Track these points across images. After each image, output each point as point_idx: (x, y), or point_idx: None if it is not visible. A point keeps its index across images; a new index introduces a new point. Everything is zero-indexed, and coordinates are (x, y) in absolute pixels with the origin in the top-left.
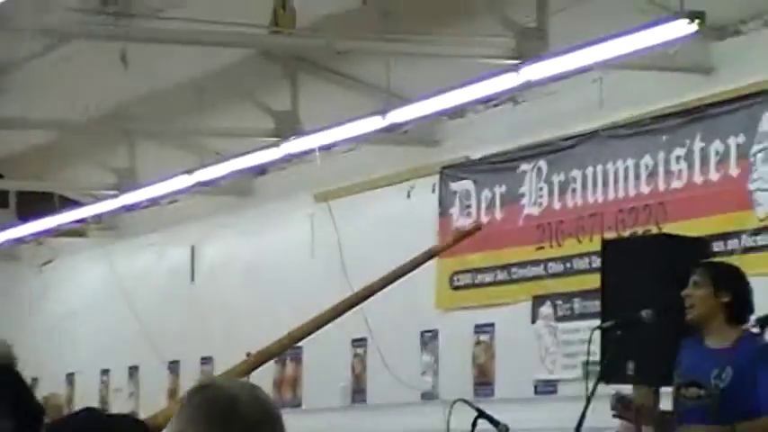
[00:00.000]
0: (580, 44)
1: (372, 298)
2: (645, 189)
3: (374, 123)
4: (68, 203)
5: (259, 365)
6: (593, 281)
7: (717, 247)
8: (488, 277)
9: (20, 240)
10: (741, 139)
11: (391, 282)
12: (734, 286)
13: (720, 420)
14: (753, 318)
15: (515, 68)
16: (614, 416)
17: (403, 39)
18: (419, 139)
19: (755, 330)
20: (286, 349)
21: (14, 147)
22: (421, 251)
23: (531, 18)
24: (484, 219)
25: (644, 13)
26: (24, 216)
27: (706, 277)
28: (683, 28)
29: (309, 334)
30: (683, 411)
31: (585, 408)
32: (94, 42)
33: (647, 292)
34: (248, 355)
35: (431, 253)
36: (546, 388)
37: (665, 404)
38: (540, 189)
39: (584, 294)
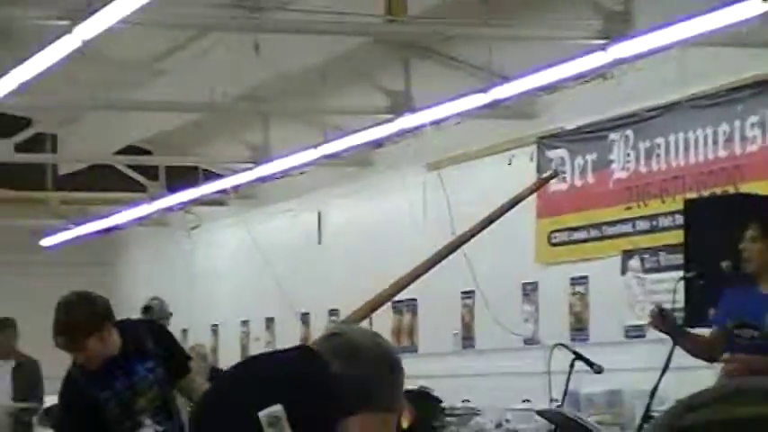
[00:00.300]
0: (662, 24)
1: (479, 255)
2: (722, 153)
3: (478, 100)
4: (211, 176)
5: (375, 309)
6: (677, 236)
7: None
8: (582, 235)
9: (169, 209)
10: None
11: (485, 226)
12: None
13: None
14: None
15: (604, 48)
16: (648, 323)
17: (503, 24)
18: (518, 113)
19: None
20: (398, 292)
21: (162, 127)
22: (521, 213)
23: (618, 1)
24: (577, 183)
25: None
26: (172, 187)
27: (760, 232)
28: (756, 7)
29: (417, 278)
30: (737, 350)
31: (671, 350)
32: (231, 33)
33: (725, 246)
34: None
35: (517, 199)
36: (635, 332)
37: None
38: (628, 155)
39: (669, 249)
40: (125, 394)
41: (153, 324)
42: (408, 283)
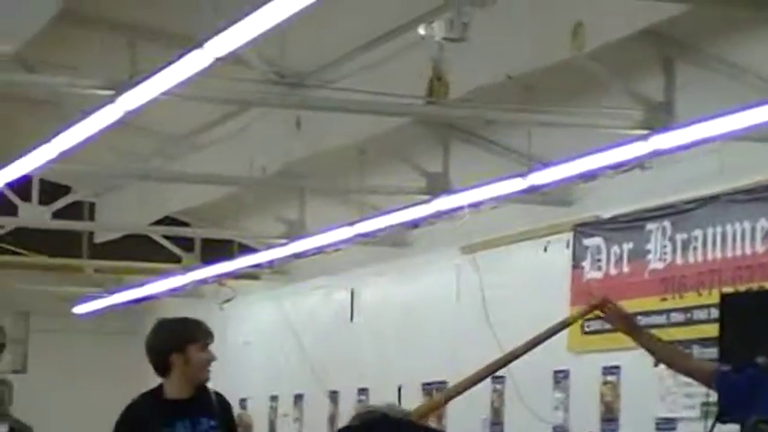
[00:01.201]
0: (703, 117)
1: (512, 341)
2: (760, 249)
3: (516, 185)
4: (246, 250)
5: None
6: (712, 330)
7: None
8: None
9: (203, 281)
10: None
11: (532, 348)
12: None
13: None
14: None
15: (644, 138)
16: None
17: (543, 110)
18: (555, 200)
19: None
20: (450, 401)
21: (200, 199)
22: (555, 300)
23: (660, 91)
24: (613, 271)
25: (758, 89)
26: (207, 260)
27: None
28: None
29: (468, 389)
30: None
31: None
32: (272, 109)
33: (762, 341)
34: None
35: (566, 323)
36: (667, 425)
37: None
38: (665, 246)
39: (703, 342)
40: None
41: (219, 393)
42: (456, 395)
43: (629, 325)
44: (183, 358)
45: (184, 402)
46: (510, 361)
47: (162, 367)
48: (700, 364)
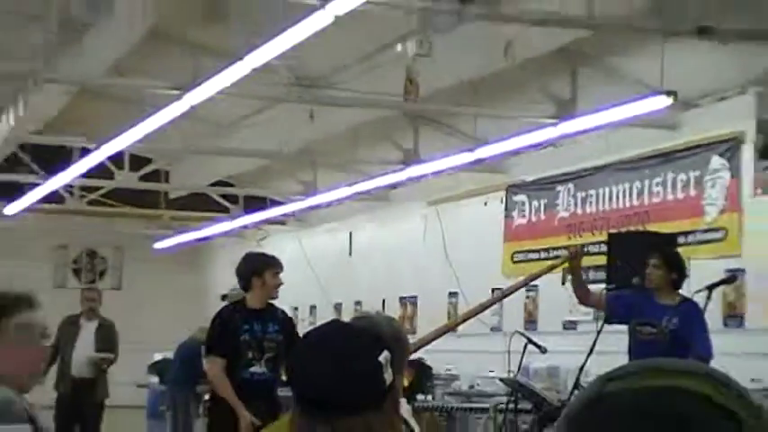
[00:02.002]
0: (597, 108)
1: (462, 269)
2: (635, 203)
3: (466, 157)
4: (275, 203)
5: (428, 343)
6: (602, 260)
7: (680, 239)
8: (535, 256)
9: (244, 227)
10: (697, 173)
11: (499, 300)
12: (679, 267)
13: (665, 353)
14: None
15: (555, 124)
16: (568, 255)
17: (485, 105)
18: (494, 168)
19: (703, 294)
20: (428, 343)
21: (242, 167)
22: (493, 240)
23: (566, 91)
24: (533, 219)
25: (636, 89)
26: (248, 210)
27: (661, 261)
28: (662, 102)
29: (444, 334)
30: (639, 343)
31: (595, 339)
32: (291, 104)
33: (636, 268)
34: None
35: (531, 277)
36: (570, 326)
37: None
38: (569, 201)
39: (596, 268)
40: (257, 334)
41: (283, 310)
42: (431, 341)
43: (578, 269)
44: (261, 280)
45: (258, 311)
46: (492, 303)
47: (245, 285)
48: (599, 297)
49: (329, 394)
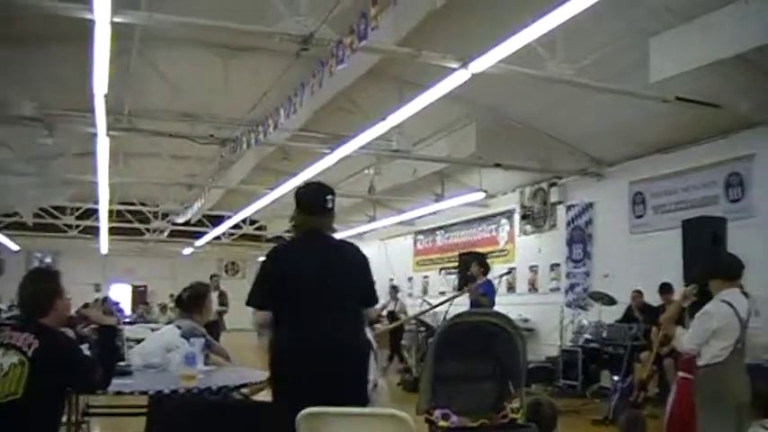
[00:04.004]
0: (454, 196)
1: (397, 268)
2: (471, 239)
3: (397, 219)
4: None
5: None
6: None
7: (489, 256)
8: (428, 262)
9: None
10: (495, 225)
11: (449, 300)
12: (486, 266)
13: (477, 305)
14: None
15: (436, 202)
16: None
17: (407, 197)
18: (410, 224)
19: (497, 278)
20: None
21: None
22: (409, 257)
23: (440, 189)
24: (427, 246)
25: (470, 189)
26: None
27: (478, 265)
28: (481, 195)
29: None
30: (471, 301)
31: (452, 298)
32: None
33: (470, 270)
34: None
35: (466, 291)
36: (442, 294)
37: None
38: (442, 239)
39: (449, 272)
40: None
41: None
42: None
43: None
44: None
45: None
46: (433, 308)
47: None
48: (477, 296)
49: None
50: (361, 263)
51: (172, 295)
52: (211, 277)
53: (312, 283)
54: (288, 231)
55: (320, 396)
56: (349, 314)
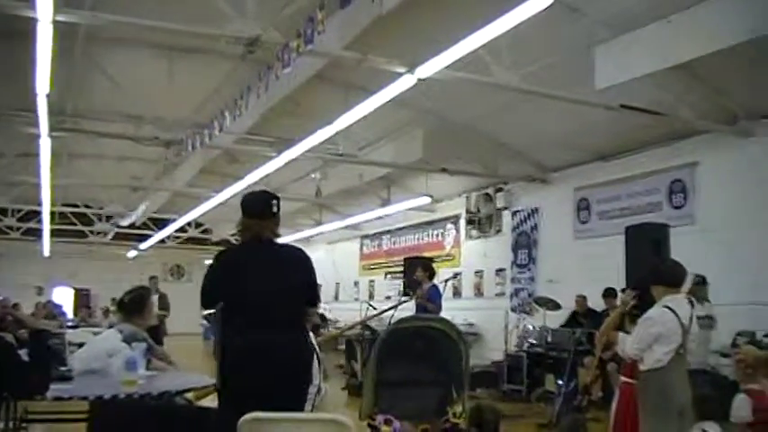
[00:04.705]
0: (401, 200)
1: (342, 270)
2: (417, 243)
3: (343, 224)
4: None
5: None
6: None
7: (435, 260)
8: (374, 266)
9: None
10: (441, 230)
11: (392, 308)
12: (432, 270)
13: (424, 309)
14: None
15: (383, 206)
16: None
17: (351, 202)
18: (355, 228)
19: (443, 282)
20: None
21: None
22: (355, 260)
23: (386, 194)
24: (373, 250)
25: (417, 194)
26: None
27: (423, 269)
28: (427, 200)
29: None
30: (417, 305)
31: (396, 305)
32: None
33: (416, 274)
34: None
35: (412, 297)
36: (388, 298)
37: None
38: (388, 243)
39: (398, 275)
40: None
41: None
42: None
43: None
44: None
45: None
46: (376, 315)
47: None
48: (424, 301)
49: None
50: (304, 264)
51: (114, 299)
52: (150, 279)
53: (255, 288)
54: (234, 234)
55: (264, 400)
56: (292, 318)
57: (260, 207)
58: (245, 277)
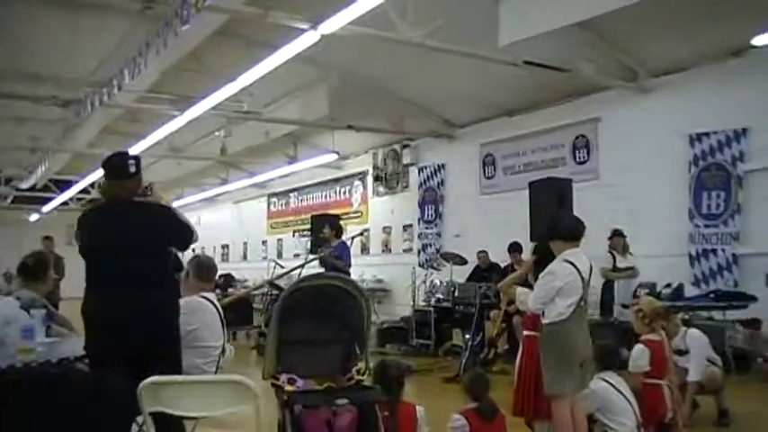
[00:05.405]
0: (309, 157)
1: (251, 232)
2: (323, 201)
3: (250, 182)
4: None
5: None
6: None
7: (343, 217)
8: (281, 224)
9: None
10: (349, 187)
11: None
12: (339, 228)
13: (332, 268)
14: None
15: (289, 164)
16: None
17: (259, 159)
18: (263, 186)
19: (350, 239)
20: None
21: None
22: (262, 219)
23: (293, 151)
24: (280, 208)
25: (324, 151)
26: None
27: (330, 228)
28: (334, 156)
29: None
30: (324, 262)
31: (303, 264)
32: None
33: (324, 232)
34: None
35: (327, 253)
36: (296, 256)
37: None
38: (296, 201)
39: (302, 235)
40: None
41: None
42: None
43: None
44: None
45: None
46: (285, 273)
47: None
48: (332, 258)
49: None
50: (163, 216)
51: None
52: (44, 240)
53: (112, 249)
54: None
55: (129, 362)
56: (150, 274)
57: (118, 168)
58: (99, 237)
